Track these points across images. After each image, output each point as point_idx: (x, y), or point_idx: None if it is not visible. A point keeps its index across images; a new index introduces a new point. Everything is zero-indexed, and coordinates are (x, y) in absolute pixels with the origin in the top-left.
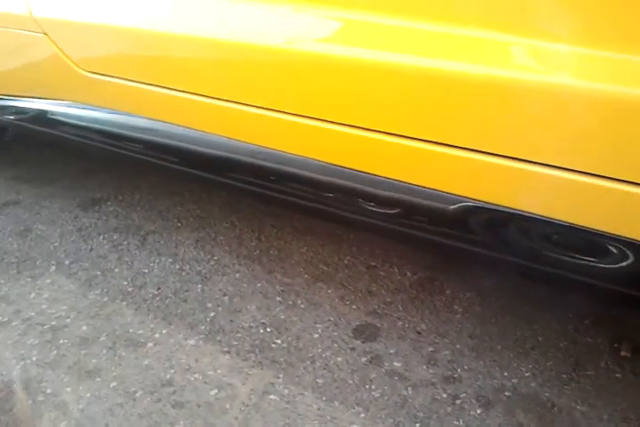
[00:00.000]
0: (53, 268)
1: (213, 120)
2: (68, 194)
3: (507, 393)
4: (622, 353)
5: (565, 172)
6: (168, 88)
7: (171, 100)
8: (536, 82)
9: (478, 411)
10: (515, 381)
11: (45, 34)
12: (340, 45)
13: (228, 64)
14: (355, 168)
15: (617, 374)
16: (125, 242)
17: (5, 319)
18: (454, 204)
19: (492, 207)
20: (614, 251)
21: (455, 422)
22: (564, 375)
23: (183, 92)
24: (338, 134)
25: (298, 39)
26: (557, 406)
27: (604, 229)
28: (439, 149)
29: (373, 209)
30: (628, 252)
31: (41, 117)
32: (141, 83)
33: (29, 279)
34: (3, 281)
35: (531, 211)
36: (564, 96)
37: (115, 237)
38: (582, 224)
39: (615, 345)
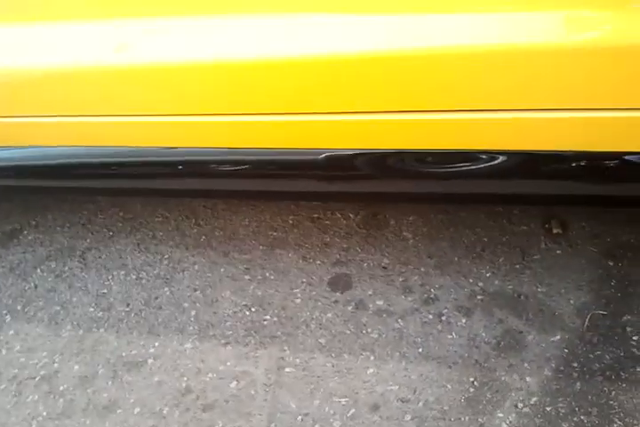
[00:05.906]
0: (8, 317)
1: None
2: None
3: (479, 297)
4: (554, 231)
5: None
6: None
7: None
8: None
9: (463, 320)
10: (481, 284)
11: None
12: None
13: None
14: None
15: (557, 251)
16: (66, 267)
17: None
18: None
19: None
20: None
21: (449, 336)
22: (517, 266)
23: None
24: None
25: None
26: (523, 295)
27: None
28: None
29: None
30: None
31: None
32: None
33: None
34: None
35: None
36: None
37: (53, 266)
38: None
39: (546, 226)
